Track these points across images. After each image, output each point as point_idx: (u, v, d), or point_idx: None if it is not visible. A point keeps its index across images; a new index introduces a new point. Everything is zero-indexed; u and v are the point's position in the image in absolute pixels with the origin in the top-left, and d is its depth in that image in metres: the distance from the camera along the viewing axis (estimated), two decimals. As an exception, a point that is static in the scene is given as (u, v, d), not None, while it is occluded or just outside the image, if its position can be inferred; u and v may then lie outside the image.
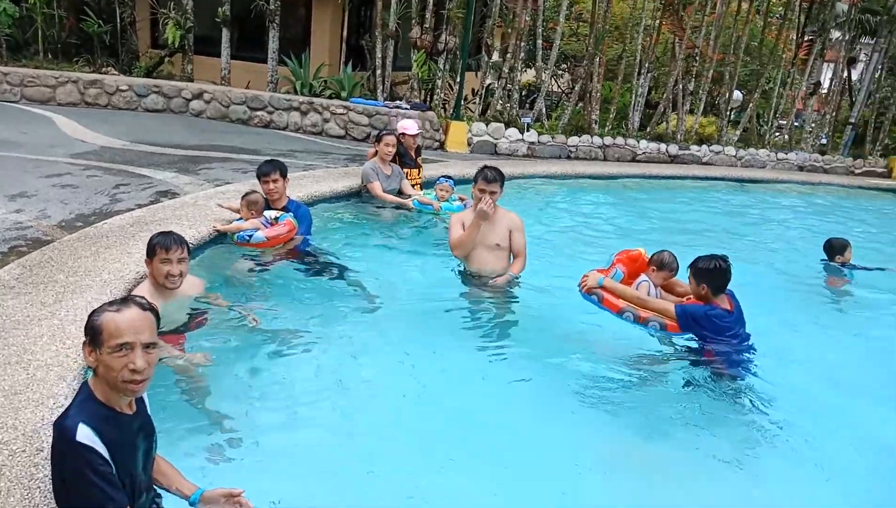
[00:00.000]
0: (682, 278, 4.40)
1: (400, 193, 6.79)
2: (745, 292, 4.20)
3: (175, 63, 12.48)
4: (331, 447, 3.08)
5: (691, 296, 4.20)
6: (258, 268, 4.77)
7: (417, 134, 7.39)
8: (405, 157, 7.17)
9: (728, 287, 4.01)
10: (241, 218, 5.09)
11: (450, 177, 6.77)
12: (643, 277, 4.54)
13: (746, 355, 3.97)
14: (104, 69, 11.81)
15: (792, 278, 6.19)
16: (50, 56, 11.82)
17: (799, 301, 5.69)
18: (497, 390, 3.69)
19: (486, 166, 4.78)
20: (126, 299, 2.09)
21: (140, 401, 2.18)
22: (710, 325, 3.90)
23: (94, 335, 1.99)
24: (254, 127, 11.11)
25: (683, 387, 3.80)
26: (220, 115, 11.31)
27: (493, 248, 4.71)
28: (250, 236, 4.90)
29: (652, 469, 3.22)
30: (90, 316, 2.02)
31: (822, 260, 6.39)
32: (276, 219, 5.07)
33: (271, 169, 5.09)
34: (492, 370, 3.87)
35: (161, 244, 3.41)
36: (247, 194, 5.13)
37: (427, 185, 7.27)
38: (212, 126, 10.62)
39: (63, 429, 1.90)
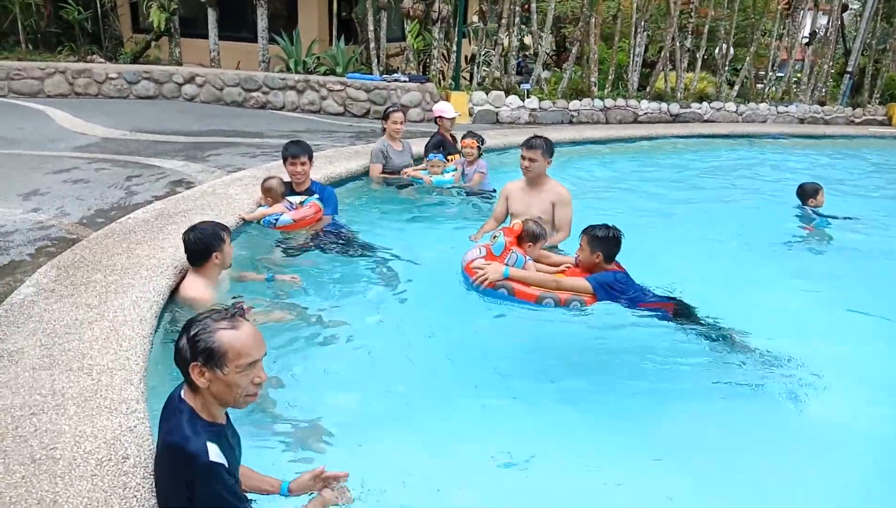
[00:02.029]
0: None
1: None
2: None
3: (162, 47, 12.17)
4: (365, 417, 3.09)
5: (569, 266, 4.10)
6: (288, 251, 4.69)
7: (455, 117, 7.12)
8: (445, 143, 6.93)
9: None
10: (263, 205, 5.00)
11: (439, 152, 6.66)
12: (514, 251, 4.03)
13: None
14: (89, 57, 11.49)
15: (775, 228, 6.21)
16: (31, 47, 11.49)
17: (769, 249, 5.73)
18: (521, 357, 3.70)
19: (534, 135, 4.81)
20: (232, 316, 2.01)
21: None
22: (619, 287, 3.85)
23: (213, 357, 1.93)
24: (250, 109, 10.89)
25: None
26: (213, 98, 11.07)
27: (534, 219, 4.62)
28: (276, 220, 4.83)
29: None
30: (198, 337, 1.94)
31: (796, 206, 6.39)
32: (301, 203, 4.97)
33: (300, 151, 4.96)
34: (517, 338, 3.84)
35: (224, 228, 3.56)
36: (264, 180, 5.02)
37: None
38: (208, 110, 10.39)
39: (194, 452, 1.88)
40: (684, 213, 6.84)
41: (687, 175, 8.70)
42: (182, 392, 2.02)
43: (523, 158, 4.72)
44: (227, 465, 1.92)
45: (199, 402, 1.99)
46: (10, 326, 3.08)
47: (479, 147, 6.56)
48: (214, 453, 1.89)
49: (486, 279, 3.83)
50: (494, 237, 4.01)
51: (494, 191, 6.34)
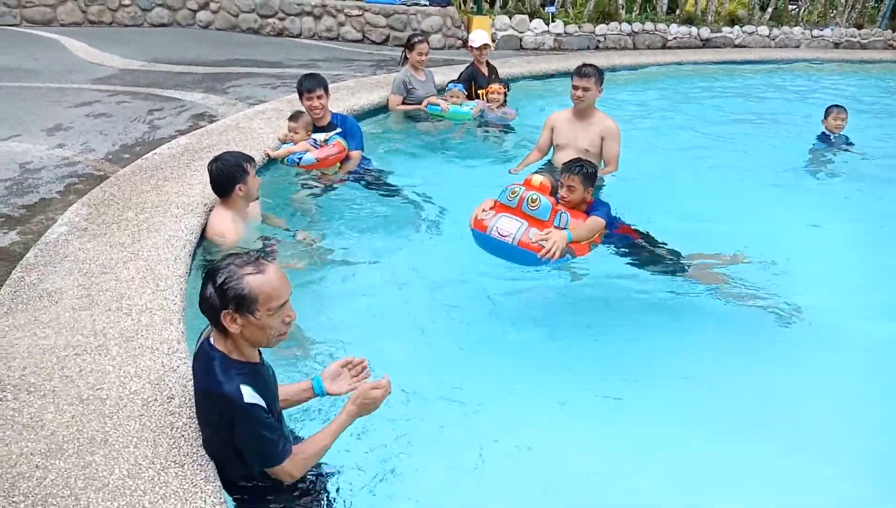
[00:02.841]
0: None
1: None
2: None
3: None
4: (397, 364, 3.06)
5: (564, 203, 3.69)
6: (315, 190, 4.64)
7: (484, 45, 6.56)
8: (476, 76, 6.59)
9: None
10: (288, 142, 4.90)
11: (459, 82, 6.41)
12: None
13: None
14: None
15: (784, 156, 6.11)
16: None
17: (773, 176, 5.66)
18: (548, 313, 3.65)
19: (583, 63, 4.64)
20: (256, 260, 2.00)
21: None
22: (611, 214, 3.77)
23: (244, 302, 1.93)
24: (266, 36, 10.63)
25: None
26: (229, 25, 10.80)
27: (581, 152, 4.53)
28: (300, 159, 4.74)
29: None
30: (226, 285, 1.92)
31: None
32: (326, 141, 4.88)
33: (315, 85, 4.81)
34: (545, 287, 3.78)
35: (248, 159, 3.51)
36: (292, 116, 4.90)
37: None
38: (224, 38, 10.16)
39: (228, 396, 1.92)
40: (700, 143, 6.68)
41: (707, 105, 8.41)
42: (211, 338, 2.04)
43: (576, 87, 4.55)
44: (262, 404, 1.96)
45: (230, 345, 2.01)
46: (46, 265, 3.11)
47: (505, 93, 6.35)
48: (248, 394, 1.93)
49: (557, 251, 3.31)
50: (514, 194, 3.47)
51: (511, 129, 6.22)
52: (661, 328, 3.52)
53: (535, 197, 3.39)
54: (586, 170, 3.61)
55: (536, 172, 3.99)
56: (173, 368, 2.46)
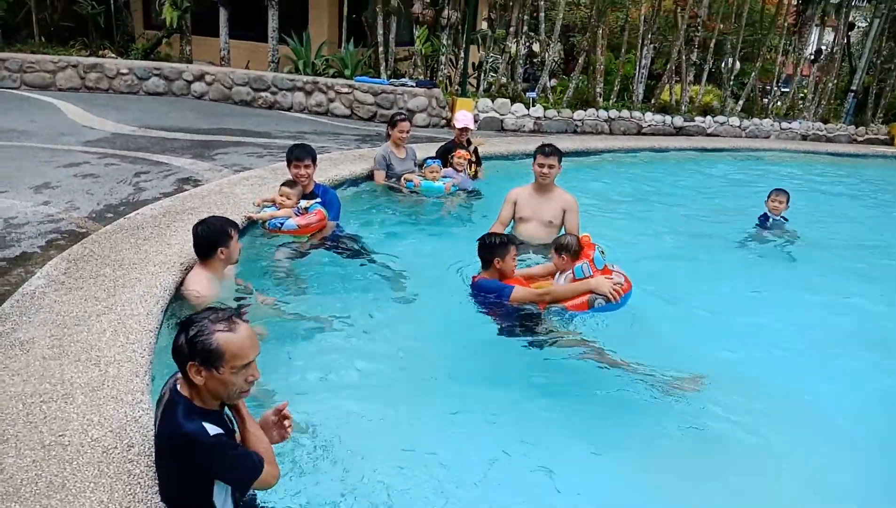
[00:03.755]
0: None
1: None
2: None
3: (173, 44, 12.32)
4: (365, 422, 3.16)
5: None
6: (291, 254, 4.78)
7: (464, 128, 7.01)
8: (452, 150, 6.92)
9: None
10: (272, 206, 5.08)
11: (436, 158, 6.72)
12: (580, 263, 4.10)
13: None
14: (101, 52, 11.63)
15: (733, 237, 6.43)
16: (44, 40, 11.63)
17: (721, 254, 6.04)
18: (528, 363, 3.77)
19: (544, 144, 5.03)
20: (229, 317, 2.10)
21: None
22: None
23: (210, 357, 2.02)
24: (258, 109, 11.02)
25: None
26: (222, 97, 11.20)
27: (545, 224, 4.97)
28: (282, 224, 4.91)
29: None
30: (196, 338, 2.03)
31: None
32: (307, 209, 5.07)
33: (304, 154, 5.06)
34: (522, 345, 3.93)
35: (233, 225, 3.66)
36: (288, 182, 5.09)
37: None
38: (216, 109, 10.52)
39: (192, 436, 1.98)
40: (658, 222, 7.02)
41: (675, 187, 8.79)
42: (178, 385, 2.12)
43: (541, 165, 4.91)
44: (224, 434, 2.05)
45: (195, 393, 2.10)
46: (21, 316, 3.19)
47: (471, 161, 6.72)
48: (211, 429, 2.00)
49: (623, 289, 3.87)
50: (602, 253, 4.02)
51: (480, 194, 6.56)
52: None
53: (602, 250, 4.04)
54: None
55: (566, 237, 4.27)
56: (135, 418, 2.52)
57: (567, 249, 4.06)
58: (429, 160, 6.58)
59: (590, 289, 3.86)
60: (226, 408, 2.22)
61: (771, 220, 6.27)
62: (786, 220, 6.28)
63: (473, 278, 4.15)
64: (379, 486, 2.73)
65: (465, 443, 3.10)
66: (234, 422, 2.28)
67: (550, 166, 4.89)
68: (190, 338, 2.04)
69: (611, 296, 3.82)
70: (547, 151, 4.92)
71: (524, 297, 3.92)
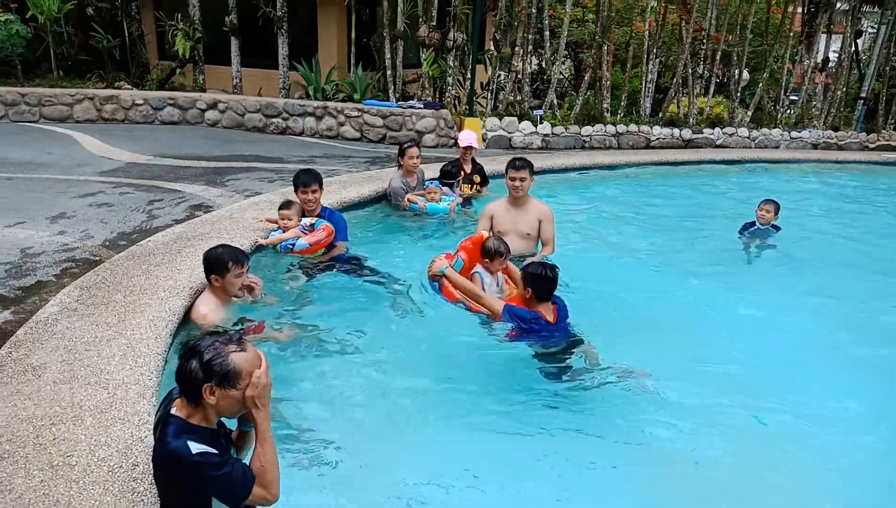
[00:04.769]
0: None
1: None
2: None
3: (186, 74, 12.61)
4: (373, 440, 3.25)
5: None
6: (306, 275, 4.88)
7: (468, 147, 7.12)
8: (458, 172, 7.08)
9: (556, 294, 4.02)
10: (278, 229, 5.20)
11: (440, 174, 6.92)
12: (478, 267, 4.46)
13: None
14: (117, 84, 11.94)
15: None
16: (62, 73, 11.97)
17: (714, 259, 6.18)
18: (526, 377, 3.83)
19: (514, 158, 5.16)
20: (238, 339, 2.20)
21: None
22: (527, 326, 3.95)
23: (228, 377, 2.11)
24: (270, 134, 11.21)
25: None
26: (235, 124, 11.43)
27: (523, 236, 5.11)
28: (293, 245, 5.03)
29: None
30: (212, 362, 2.10)
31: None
32: (312, 226, 5.18)
33: (311, 180, 5.17)
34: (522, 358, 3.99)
35: (236, 260, 3.70)
36: (284, 204, 5.23)
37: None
38: (229, 136, 10.74)
39: (177, 454, 2.05)
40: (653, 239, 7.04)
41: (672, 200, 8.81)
42: (173, 408, 2.18)
43: (513, 178, 5.05)
44: (212, 451, 2.08)
45: (197, 414, 2.16)
46: (34, 342, 3.30)
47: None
48: (195, 447, 2.06)
49: (430, 269, 4.36)
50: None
51: None
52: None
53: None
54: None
55: (491, 237, 4.47)
56: (141, 438, 2.60)
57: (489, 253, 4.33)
58: (427, 182, 6.70)
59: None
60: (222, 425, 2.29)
61: (755, 228, 6.45)
62: (777, 229, 6.43)
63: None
64: (383, 496, 2.79)
65: (476, 456, 3.17)
66: (230, 438, 2.35)
67: (522, 179, 5.01)
68: (206, 362, 2.10)
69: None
70: (518, 164, 5.05)
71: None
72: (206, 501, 2.10)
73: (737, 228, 6.62)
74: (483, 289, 4.27)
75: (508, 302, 4.06)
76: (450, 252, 4.55)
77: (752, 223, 6.47)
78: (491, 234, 4.55)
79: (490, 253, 4.33)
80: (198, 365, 2.10)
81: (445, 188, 6.81)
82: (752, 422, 3.58)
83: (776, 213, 6.36)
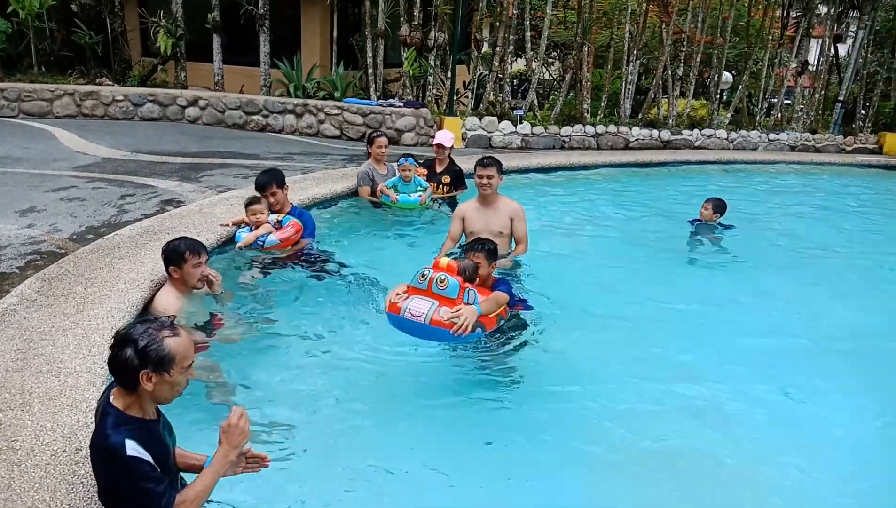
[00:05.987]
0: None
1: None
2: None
3: (168, 71, 12.61)
4: (336, 439, 3.29)
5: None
6: (265, 272, 4.93)
7: (440, 144, 7.00)
8: (430, 168, 7.07)
9: None
10: (246, 228, 5.22)
11: (411, 156, 6.65)
12: (473, 292, 3.77)
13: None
14: (98, 80, 11.93)
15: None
16: (43, 69, 11.94)
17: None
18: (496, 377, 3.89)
19: (483, 156, 5.17)
20: (171, 325, 2.23)
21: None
22: (511, 289, 4.12)
23: (163, 362, 2.14)
24: (250, 131, 11.24)
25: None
26: (215, 120, 11.44)
27: (496, 235, 4.92)
28: (264, 242, 5.05)
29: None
30: (147, 348, 2.12)
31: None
32: (280, 222, 5.22)
33: (267, 183, 5.16)
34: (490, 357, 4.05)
35: (193, 250, 3.72)
36: (251, 200, 5.25)
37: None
38: (209, 132, 10.75)
39: (112, 448, 2.07)
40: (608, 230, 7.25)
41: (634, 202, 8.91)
42: (111, 397, 2.21)
43: (480, 176, 5.04)
44: (147, 458, 2.10)
45: (134, 402, 2.19)
46: (-10, 332, 3.34)
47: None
48: (132, 447, 2.07)
49: (468, 325, 3.50)
50: (423, 276, 3.67)
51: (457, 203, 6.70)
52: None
53: (443, 278, 3.59)
54: (487, 247, 4.02)
55: (459, 261, 4.22)
56: (87, 423, 2.65)
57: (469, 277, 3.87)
58: (402, 159, 6.55)
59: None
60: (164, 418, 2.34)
61: (699, 223, 6.69)
62: (722, 226, 6.64)
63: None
64: (348, 495, 2.86)
65: (441, 454, 3.22)
66: (170, 428, 2.39)
67: (490, 177, 5.00)
68: (141, 349, 2.13)
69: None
70: (485, 162, 5.06)
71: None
72: (124, 498, 2.12)
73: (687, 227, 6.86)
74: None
75: (484, 292, 3.85)
76: (412, 285, 3.77)
77: (698, 219, 6.72)
78: (450, 258, 3.95)
79: (472, 276, 3.87)
80: (133, 353, 2.13)
81: (421, 169, 6.84)
82: (713, 416, 3.69)
83: (717, 211, 6.55)
